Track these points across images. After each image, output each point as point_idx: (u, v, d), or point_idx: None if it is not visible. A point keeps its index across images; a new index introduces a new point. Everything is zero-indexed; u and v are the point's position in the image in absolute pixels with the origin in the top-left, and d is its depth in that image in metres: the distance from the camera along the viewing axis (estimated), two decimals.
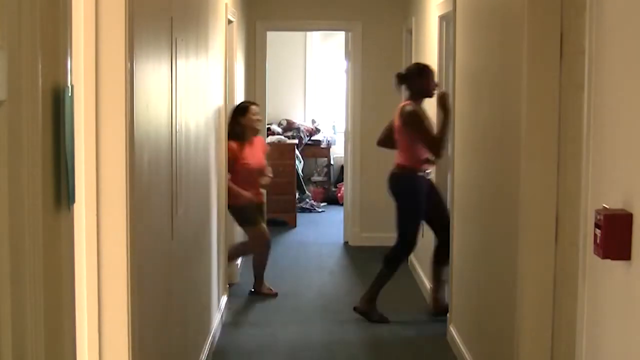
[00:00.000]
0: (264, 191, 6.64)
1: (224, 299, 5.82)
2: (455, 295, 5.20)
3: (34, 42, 1.59)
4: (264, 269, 6.55)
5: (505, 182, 3.85)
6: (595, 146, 2.61)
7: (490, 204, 4.26)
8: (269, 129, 9.83)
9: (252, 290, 6.55)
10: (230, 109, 6.23)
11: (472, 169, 4.72)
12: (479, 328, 4.53)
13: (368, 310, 5.84)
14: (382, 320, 5.80)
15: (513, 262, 3.61)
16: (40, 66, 1.61)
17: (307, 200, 10.62)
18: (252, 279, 6.60)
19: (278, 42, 10.38)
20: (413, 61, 7.31)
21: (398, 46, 8.11)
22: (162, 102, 3.32)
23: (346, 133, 8.68)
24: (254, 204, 6.35)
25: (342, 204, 9.18)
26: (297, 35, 11.36)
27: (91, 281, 2.46)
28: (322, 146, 11.19)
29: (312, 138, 11.16)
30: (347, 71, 8.65)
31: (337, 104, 10.86)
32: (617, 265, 2.37)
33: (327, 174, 11.34)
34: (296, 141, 10.56)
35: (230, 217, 6.28)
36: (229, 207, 6.08)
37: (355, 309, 5.89)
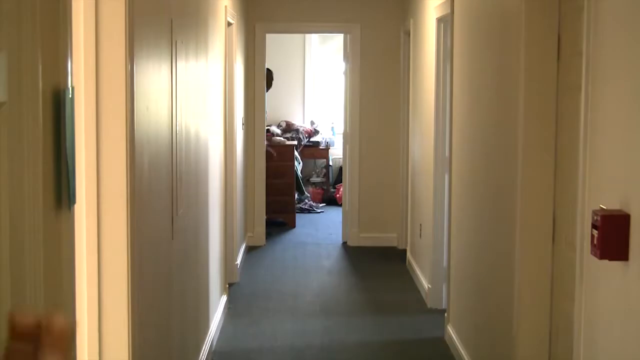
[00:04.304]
0: None
1: (224, 299, 5.83)
2: (453, 295, 5.21)
3: (35, 44, 1.60)
4: None
5: (503, 183, 3.86)
6: (593, 147, 2.62)
7: (487, 204, 4.27)
8: (268, 130, 9.84)
9: None
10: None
11: (470, 170, 4.73)
12: (477, 328, 4.54)
13: None
14: None
15: (510, 263, 3.62)
16: (40, 68, 1.62)
17: (306, 201, 10.63)
18: (251, 279, 6.58)
19: (277, 44, 10.39)
20: (411, 63, 7.33)
21: (396, 48, 8.11)
22: (162, 104, 3.33)
23: (345, 134, 8.68)
24: None
25: (340, 205, 9.18)
26: (296, 37, 11.37)
27: (91, 282, 2.47)
28: (321, 147, 11.20)
29: (311, 139, 11.16)
30: (345, 73, 8.65)
31: (336, 106, 10.86)
32: (614, 265, 2.38)
33: (326, 175, 11.35)
34: (295, 142, 10.57)
35: (230, 217, 6.29)
36: None
37: None
